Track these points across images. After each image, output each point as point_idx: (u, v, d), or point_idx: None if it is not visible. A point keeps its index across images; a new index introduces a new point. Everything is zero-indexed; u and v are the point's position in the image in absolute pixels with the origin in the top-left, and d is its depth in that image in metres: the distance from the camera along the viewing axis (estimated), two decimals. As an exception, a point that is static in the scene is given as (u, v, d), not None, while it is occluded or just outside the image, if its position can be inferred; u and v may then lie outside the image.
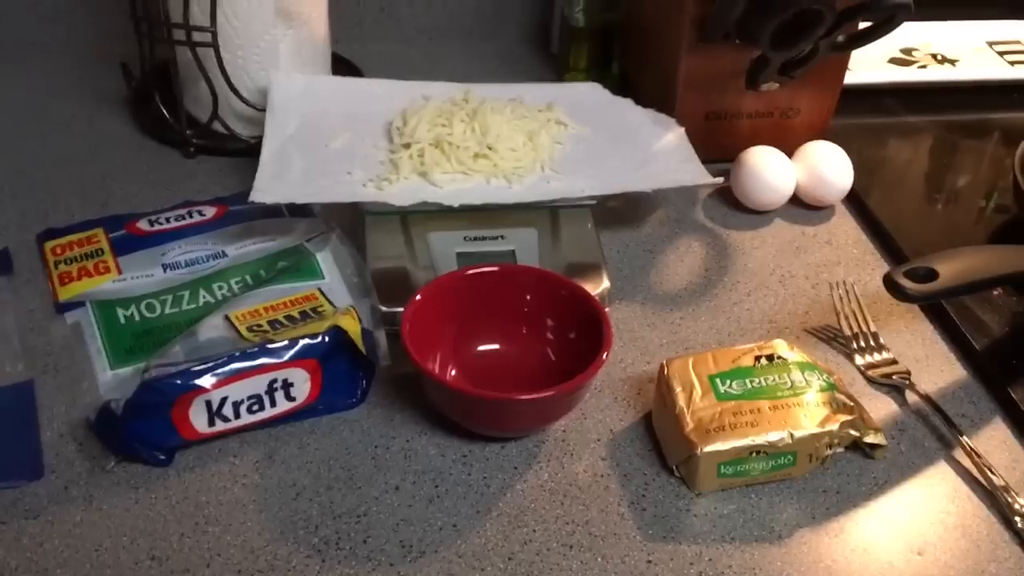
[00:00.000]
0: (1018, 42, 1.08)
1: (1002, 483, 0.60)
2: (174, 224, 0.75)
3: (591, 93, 0.87)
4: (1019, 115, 1.00)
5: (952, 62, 1.04)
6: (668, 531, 0.57)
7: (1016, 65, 1.04)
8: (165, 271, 0.71)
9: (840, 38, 0.78)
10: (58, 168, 0.83)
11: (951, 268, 0.63)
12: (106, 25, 0.97)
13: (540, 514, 0.58)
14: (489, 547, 0.56)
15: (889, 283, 0.62)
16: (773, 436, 0.57)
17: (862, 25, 0.78)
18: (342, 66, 0.95)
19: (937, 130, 0.97)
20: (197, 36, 0.79)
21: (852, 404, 0.61)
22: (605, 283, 0.71)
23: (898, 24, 0.74)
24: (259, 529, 0.56)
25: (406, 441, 0.62)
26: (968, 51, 1.06)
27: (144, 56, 0.84)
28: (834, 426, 0.59)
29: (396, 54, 1.03)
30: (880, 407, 0.66)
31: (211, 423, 0.59)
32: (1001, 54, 1.06)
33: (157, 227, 0.75)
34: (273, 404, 0.60)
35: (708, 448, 0.57)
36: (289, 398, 0.61)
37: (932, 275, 0.62)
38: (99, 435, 0.59)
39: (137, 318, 0.67)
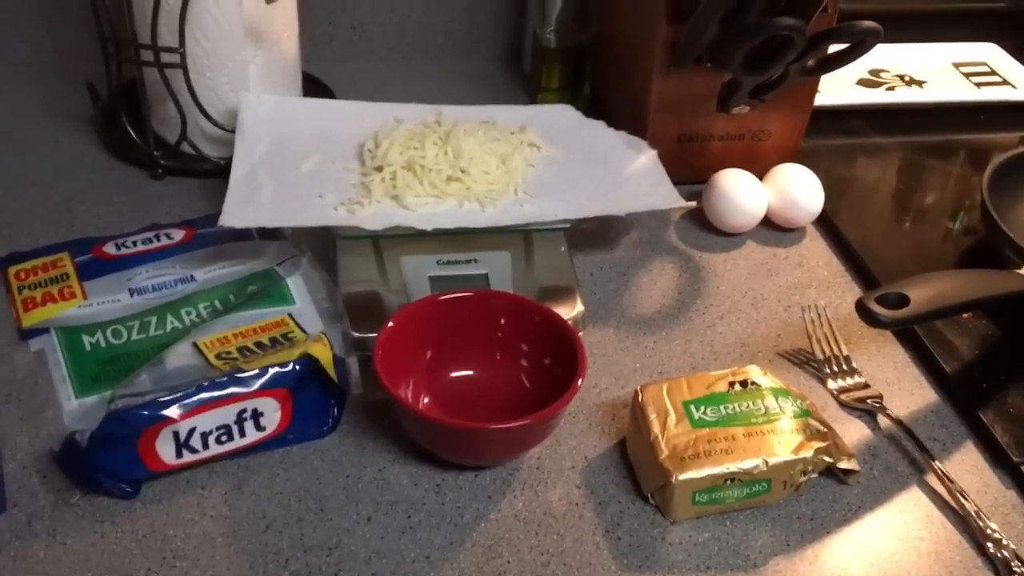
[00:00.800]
0: (983, 64, 1.10)
1: (974, 508, 0.60)
2: (141, 248, 0.74)
3: (564, 115, 0.87)
4: (984, 136, 1.02)
5: (920, 83, 1.05)
6: (643, 560, 0.57)
7: (982, 87, 1.06)
8: (132, 296, 0.70)
9: (811, 62, 0.78)
10: (22, 190, 0.81)
11: (922, 294, 0.63)
12: (72, 43, 0.95)
13: (514, 544, 0.57)
14: (463, 579, 0.55)
15: (861, 309, 0.62)
16: (748, 463, 0.57)
17: (832, 49, 0.78)
18: (313, 85, 0.95)
19: (905, 151, 0.98)
20: (165, 57, 0.78)
21: (826, 430, 0.61)
22: (579, 307, 0.70)
23: (868, 49, 0.74)
24: (228, 563, 0.55)
25: (378, 470, 0.61)
26: (935, 72, 1.07)
27: (111, 76, 0.83)
28: (808, 453, 0.59)
29: (368, 73, 1.02)
30: (853, 431, 0.66)
31: (179, 454, 0.57)
32: (967, 75, 1.08)
33: (124, 251, 0.74)
34: (242, 434, 0.59)
35: (683, 476, 0.57)
36: (259, 428, 0.60)
37: (904, 301, 0.62)
38: (63, 467, 0.58)
39: (103, 344, 0.65)
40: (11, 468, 0.59)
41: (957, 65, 1.09)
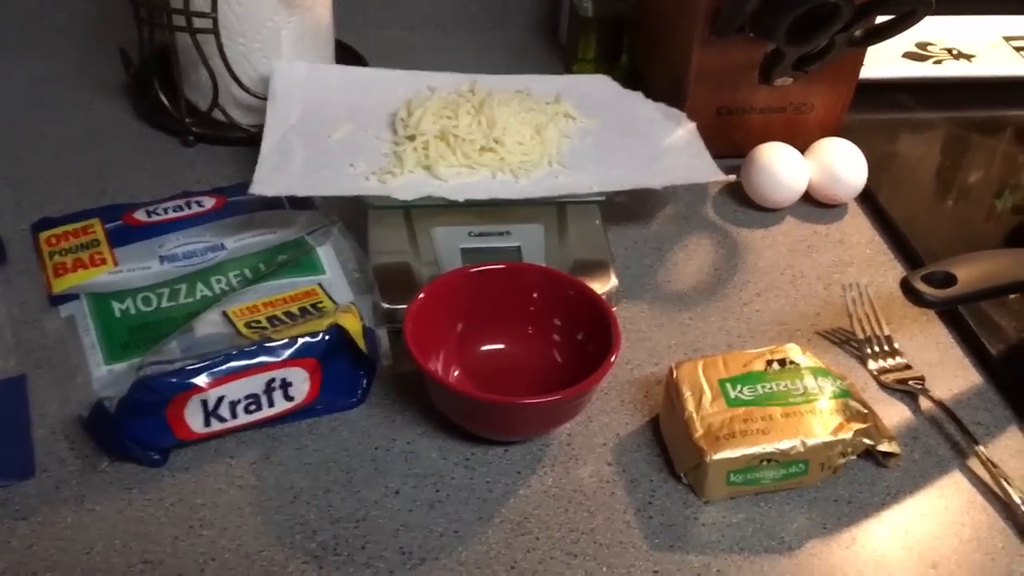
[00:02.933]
0: (1035, 37, 1.06)
1: (1019, 495, 0.58)
2: (172, 215, 0.74)
3: (600, 86, 0.85)
4: (1034, 112, 0.99)
5: (968, 57, 1.02)
6: (675, 540, 0.56)
7: (1033, 61, 1.02)
8: (162, 263, 0.70)
9: (858, 33, 0.76)
10: (54, 155, 0.81)
11: (970, 273, 0.61)
12: (105, 9, 0.95)
13: (544, 521, 0.56)
14: (491, 555, 0.54)
15: (907, 288, 0.60)
16: (785, 444, 0.56)
17: (880, 19, 0.76)
18: (345, 53, 0.93)
19: (951, 127, 0.95)
20: (198, 22, 0.77)
21: (866, 411, 0.59)
22: (613, 281, 0.69)
23: (918, 20, 0.72)
24: (255, 533, 0.54)
25: (407, 443, 0.60)
26: (984, 46, 1.04)
27: (143, 42, 0.82)
28: (847, 434, 0.57)
29: (400, 42, 1.01)
30: (893, 413, 0.64)
31: (207, 423, 0.57)
32: (1018, 50, 1.04)
33: (155, 218, 0.73)
34: (271, 404, 0.59)
35: (717, 456, 0.55)
36: (287, 398, 0.59)
37: (950, 280, 0.60)
38: (92, 434, 0.58)
39: (133, 312, 0.65)
40: (40, 434, 0.58)
41: (1007, 39, 1.06)
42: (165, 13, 0.78)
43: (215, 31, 0.77)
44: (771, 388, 0.59)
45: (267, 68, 0.80)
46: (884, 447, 0.59)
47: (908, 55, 1.01)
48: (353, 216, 0.72)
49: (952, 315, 0.72)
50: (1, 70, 0.90)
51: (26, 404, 0.60)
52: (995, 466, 0.60)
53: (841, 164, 0.80)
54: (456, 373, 0.63)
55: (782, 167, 0.80)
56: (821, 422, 0.57)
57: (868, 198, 0.83)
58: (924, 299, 0.60)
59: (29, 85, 0.89)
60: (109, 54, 0.89)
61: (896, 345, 0.68)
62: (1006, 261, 0.64)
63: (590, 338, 0.61)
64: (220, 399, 0.57)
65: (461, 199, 0.70)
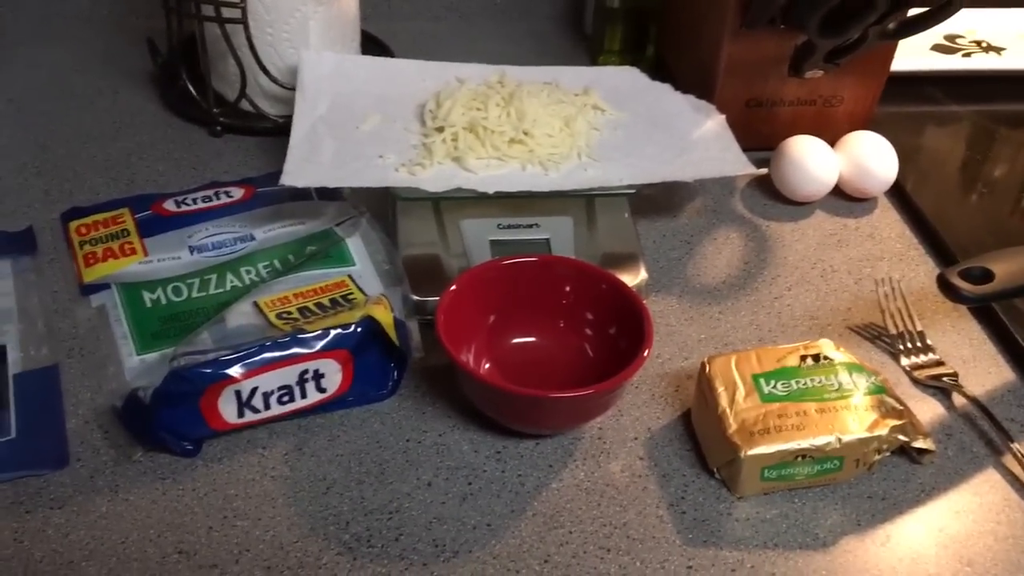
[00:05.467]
0: (1066, 30, 1.05)
1: (1054, 493, 0.58)
2: (201, 205, 0.74)
3: (629, 77, 0.85)
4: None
5: (998, 50, 1.01)
6: (708, 535, 0.56)
7: (1064, 55, 1.01)
8: (192, 253, 0.69)
9: (891, 25, 0.75)
10: (83, 145, 0.81)
11: (1007, 269, 0.60)
12: (131, -2, 0.95)
13: (576, 515, 0.56)
14: (524, 548, 0.54)
15: (943, 284, 0.59)
16: (820, 440, 0.56)
17: (913, 12, 0.75)
18: (371, 44, 0.93)
19: (980, 120, 0.94)
20: (226, 12, 0.77)
21: (901, 408, 0.58)
22: (643, 274, 0.69)
23: (953, 12, 0.71)
24: (288, 524, 0.54)
25: (438, 435, 0.60)
26: (1014, 39, 1.03)
27: (171, 31, 0.82)
28: (883, 431, 0.57)
29: (425, 32, 1.00)
30: (926, 410, 0.64)
31: (240, 414, 0.57)
32: (1048, 43, 1.03)
33: (184, 208, 0.73)
34: (304, 395, 0.59)
35: (752, 451, 0.55)
36: (320, 389, 0.59)
37: (987, 276, 0.60)
38: (126, 424, 0.58)
39: (164, 302, 0.65)
40: (73, 423, 0.59)
41: (1038, 31, 1.05)
42: (193, 2, 0.77)
43: (244, 21, 0.77)
44: (805, 384, 0.58)
45: (295, 58, 0.80)
46: (919, 444, 0.58)
47: (937, 47, 1.00)
48: (381, 207, 0.72)
49: (985, 311, 0.71)
50: (26, 59, 0.91)
51: (59, 394, 0.60)
52: (1030, 464, 0.60)
53: (871, 158, 0.80)
54: (487, 366, 0.63)
55: (812, 160, 0.79)
56: (856, 418, 0.57)
57: (898, 192, 0.82)
58: (961, 295, 0.59)
59: (55, 75, 0.89)
60: (136, 43, 0.89)
61: (929, 341, 0.68)
62: (1043, 257, 0.63)
63: (622, 333, 0.61)
64: (254, 390, 0.57)
65: (491, 191, 0.70)
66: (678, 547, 0.55)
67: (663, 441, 0.61)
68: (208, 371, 0.55)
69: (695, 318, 0.70)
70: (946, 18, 0.72)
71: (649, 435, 0.61)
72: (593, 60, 0.97)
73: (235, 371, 0.56)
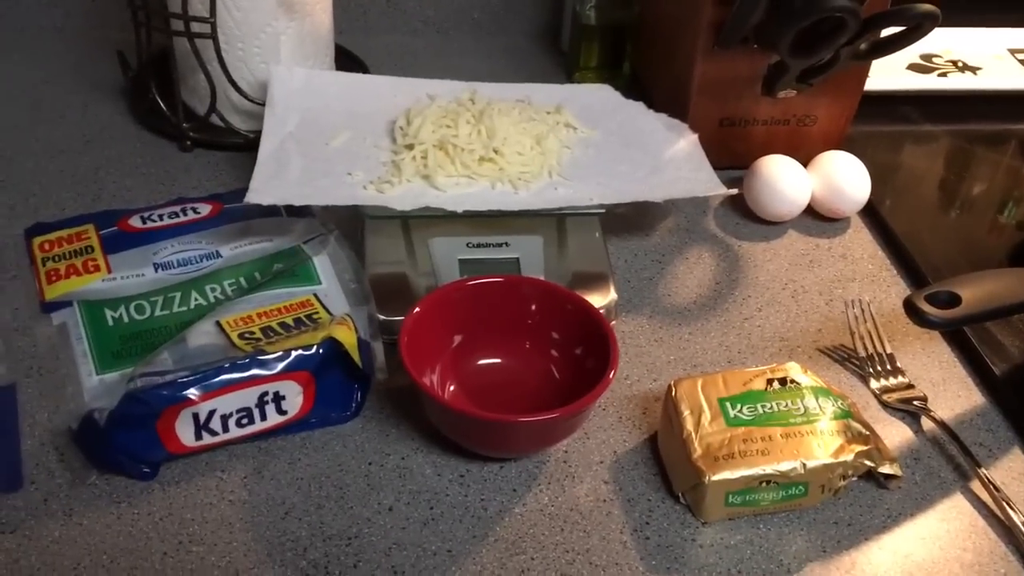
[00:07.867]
0: (1041, 50, 1.06)
1: (1021, 519, 0.57)
2: (167, 222, 0.72)
3: (602, 95, 0.84)
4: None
5: (973, 70, 1.01)
6: (672, 561, 0.55)
7: (1039, 75, 1.02)
8: (157, 271, 0.68)
9: (863, 46, 0.75)
10: (50, 159, 0.80)
11: (974, 293, 0.60)
12: (104, 10, 0.94)
13: (539, 540, 0.55)
14: (485, 575, 0.53)
15: (910, 308, 0.59)
16: (785, 466, 0.55)
17: (886, 32, 0.75)
18: (345, 58, 0.93)
19: (955, 139, 0.94)
20: (196, 27, 0.76)
21: (868, 433, 0.58)
22: (612, 295, 0.68)
23: (925, 33, 0.71)
24: (245, 550, 0.53)
25: (401, 458, 0.59)
26: (990, 59, 1.03)
27: (141, 44, 0.81)
28: (848, 456, 0.56)
29: (401, 47, 1.00)
30: (895, 433, 0.63)
31: (198, 436, 0.56)
32: (1023, 62, 1.03)
33: (150, 224, 0.72)
34: (263, 417, 0.58)
35: (716, 476, 0.55)
36: (280, 412, 0.58)
37: (955, 300, 0.59)
38: (81, 446, 0.57)
39: (126, 320, 0.64)
40: (29, 445, 0.58)
41: (1013, 51, 1.05)
42: (163, 16, 0.77)
43: (213, 36, 0.76)
44: (771, 408, 0.58)
45: (265, 73, 0.79)
46: (886, 469, 0.58)
47: (913, 67, 1.00)
48: (350, 225, 0.71)
49: (955, 334, 0.71)
50: (-4, 71, 0.90)
51: (16, 414, 0.59)
52: (997, 489, 0.59)
53: (844, 178, 0.80)
54: (452, 388, 0.62)
55: (784, 180, 0.79)
56: (822, 443, 0.56)
57: (871, 212, 0.82)
58: (927, 320, 0.59)
59: (24, 87, 0.88)
60: (106, 55, 0.89)
61: (898, 364, 0.67)
62: (1011, 281, 0.63)
63: (588, 353, 0.60)
64: (212, 412, 0.56)
65: (460, 210, 0.69)
66: (641, 573, 0.54)
67: (629, 464, 0.60)
68: (165, 393, 0.55)
69: (664, 339, 0.69)
70: (917, 39, 0.72)
71: (615, 458, 0.61)
72: (569, 76, 0.97)
73: (192, 393, 0.55)
